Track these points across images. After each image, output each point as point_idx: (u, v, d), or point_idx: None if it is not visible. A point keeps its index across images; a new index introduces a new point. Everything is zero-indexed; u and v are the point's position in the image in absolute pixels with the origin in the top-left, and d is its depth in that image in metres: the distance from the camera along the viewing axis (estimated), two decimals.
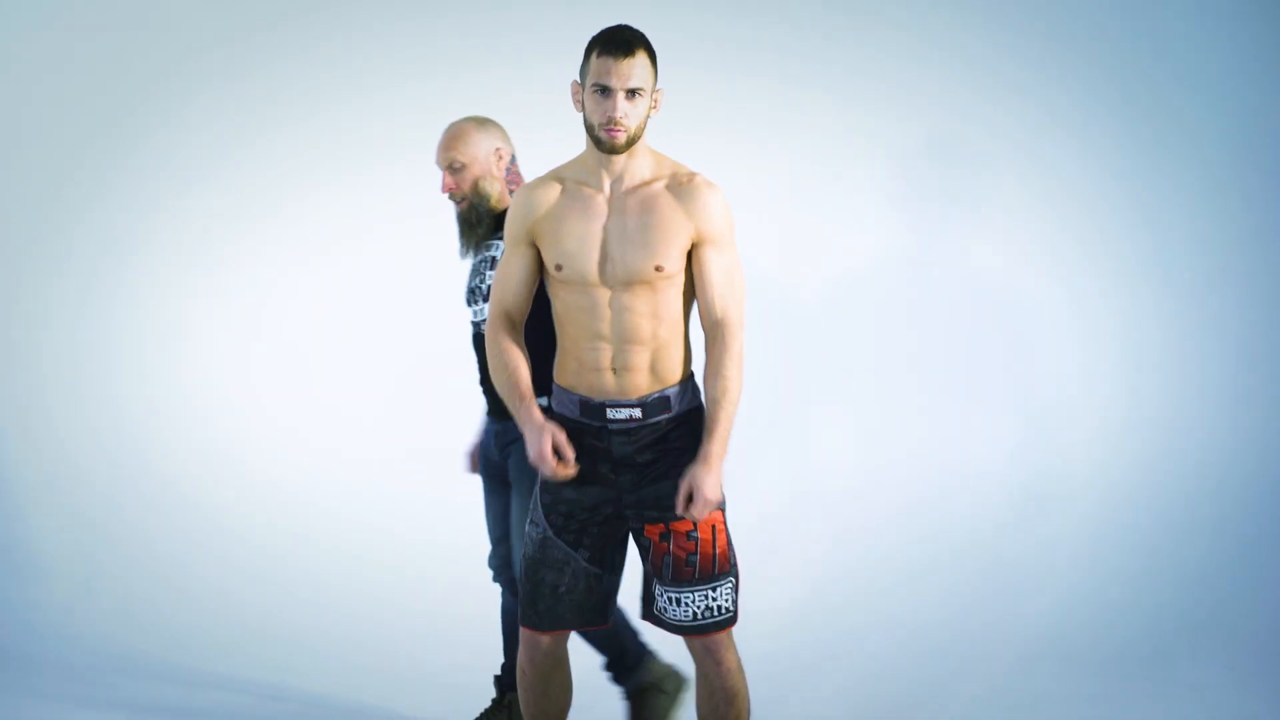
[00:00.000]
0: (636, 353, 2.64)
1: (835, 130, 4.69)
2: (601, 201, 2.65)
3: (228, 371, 4.88)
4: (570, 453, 2.63)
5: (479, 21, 4.78)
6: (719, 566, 2.69)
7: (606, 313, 2.64)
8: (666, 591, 2.70)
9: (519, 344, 2.74)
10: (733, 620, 2.73)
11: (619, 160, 2.63)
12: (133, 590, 4.27)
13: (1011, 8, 4.73)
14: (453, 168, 3.17)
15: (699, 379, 2.74)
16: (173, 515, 4.62)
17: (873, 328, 4.74)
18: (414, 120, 4.48)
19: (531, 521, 2.77)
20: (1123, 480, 4.61)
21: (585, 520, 2.72)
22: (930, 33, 4.69)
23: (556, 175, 2.72)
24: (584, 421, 2.69)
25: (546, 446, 2.60)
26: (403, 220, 4.68)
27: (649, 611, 2.78)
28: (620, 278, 2.62)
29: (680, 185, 2.64)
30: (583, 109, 2.62)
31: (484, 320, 3.10)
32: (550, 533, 2.73)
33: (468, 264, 3.27)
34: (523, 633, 2.80)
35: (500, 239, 3.06)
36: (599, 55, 2.57)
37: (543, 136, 4.09)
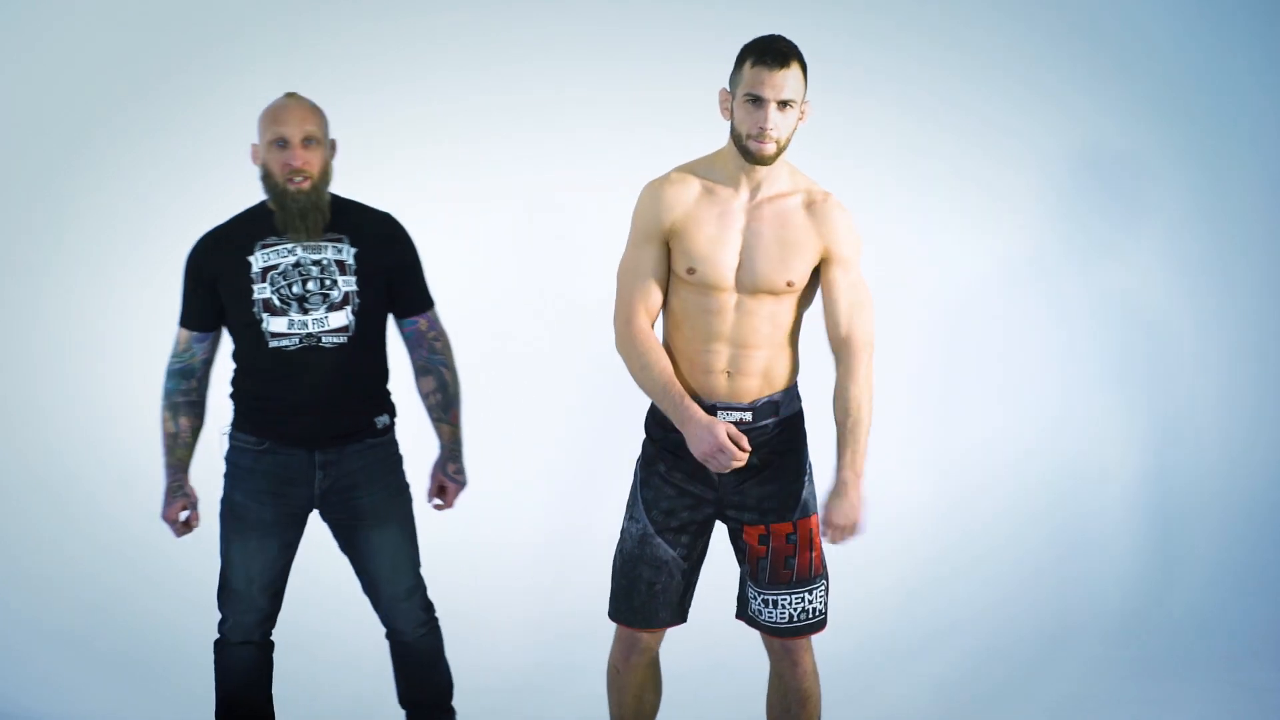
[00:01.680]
0: (752, 357, 2.65)
1: (982, 135, 4.60)
2: (738, 206, 2.64)
3: (220, 371, 4.79)
4: (745, 440, 2.58)
5: (476, 19, 4.60)
6: (814, 570, 2.73)
7: (730, 316, 2.64)
8: (762, 594, 2.73)
9: (657, 342, 2.70)
10: (824, 623, 2.76)
11: (761, 168, 2.60)
12: (125, 590, 4.17)
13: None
14: (308, 142, 2.76)
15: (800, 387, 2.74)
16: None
17: (999, 332, 4.65)
18: (417, 115, 4.45)
19: (631, 518, 2.77)
20: (1199, 485, 4.60)
21: (686, 520, 2.73)
22: (1084, 44, 4.61)
23: (691, 172, 2.68)
24: None
25: (723, 437, 2.53)
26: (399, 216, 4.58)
27: (743, 612, 2.80)
28: (749, 285, 2.62)
29: (814, 204, 2.64)
30: (731, 117, 2.59)
31: (327, 329, 2.78)
32: (651, 529, 2.73)
33: (272, 259, 2.81)
34: (621, 631, 2.82)
35: (336, 240, 2.81)
36: (753, 65, 2.52)
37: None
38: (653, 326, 2.71)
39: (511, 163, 4.49)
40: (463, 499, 3.11)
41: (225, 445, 2.94)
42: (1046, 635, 4.09)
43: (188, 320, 2.94)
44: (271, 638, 3.01)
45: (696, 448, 2.56)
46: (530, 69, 4.54)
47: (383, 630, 3.06)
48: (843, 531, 2.60)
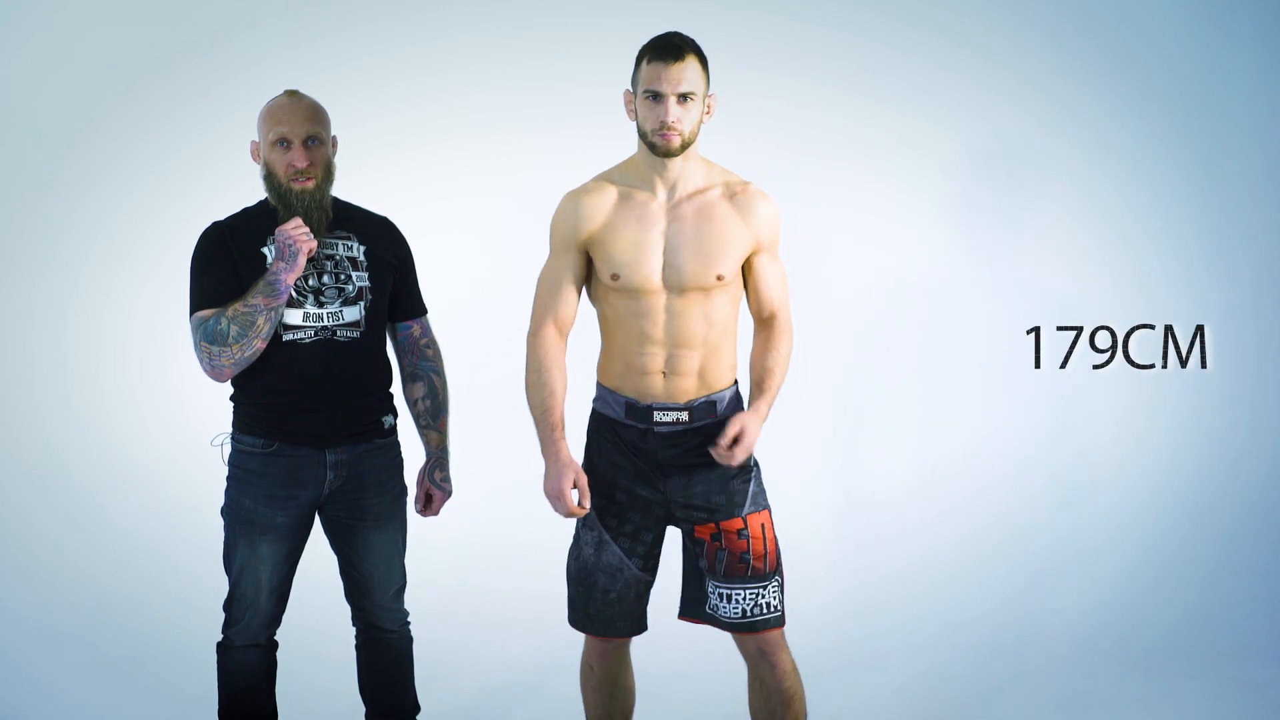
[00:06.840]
0: (687, 357, 2.66)
1: (886, 141, 4.62)
2: (657, 208, 2.66)
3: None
4: (588, 499, 2.67)
5: (473, 17, 4.62)
6: (769, 565, 2.70)
7: (660, 317, 2.65)
8: (719, 588, 2.70)
9: (563, 363, 2.73)
10: (781, 620, 2.73)
11: (673, 166, 2.62)
12: (120, 589, 4.17)
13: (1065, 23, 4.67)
14: (311, 141, 2.76)
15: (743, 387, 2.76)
16: (163, 514, 4.43)
17: (1002, 329, 4.66)
18: (412, 116, 4.48)
19: (585, 524, 2.78)
20: (1190, 482, 4.57)
21: (638, 524, 2.73)
22: (981, 45, 4.62)
23: (607, 179, 2.72)
24: (629, 423, 2.70)
25: (567, 485, 2.63)
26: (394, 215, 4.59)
27: (698, 610, 2.77)
28: (677, 285, 2.63)
29: (736, 195, 2.66)
30: (635, 116, 2.62)
31: (342, 323, 2.78)
32: (607, 535, 2.74)
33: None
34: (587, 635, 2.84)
35: (344, 237, 2.82)
36: (649, 62, 2.56)
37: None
38: (566, 337, 2.75)
39: (506, 164, 4.49)
40: (449, 504, 3.08)
41: (226, 450, 2.89)
42: (1048, 633, 4.08)
43: (214, 299, 2.74)
44: (275, 638, 2.98)
45: (545, 484, 2.66)
46: (532, 66, 4.53)
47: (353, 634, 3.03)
48: (745, 449, 2.61)
